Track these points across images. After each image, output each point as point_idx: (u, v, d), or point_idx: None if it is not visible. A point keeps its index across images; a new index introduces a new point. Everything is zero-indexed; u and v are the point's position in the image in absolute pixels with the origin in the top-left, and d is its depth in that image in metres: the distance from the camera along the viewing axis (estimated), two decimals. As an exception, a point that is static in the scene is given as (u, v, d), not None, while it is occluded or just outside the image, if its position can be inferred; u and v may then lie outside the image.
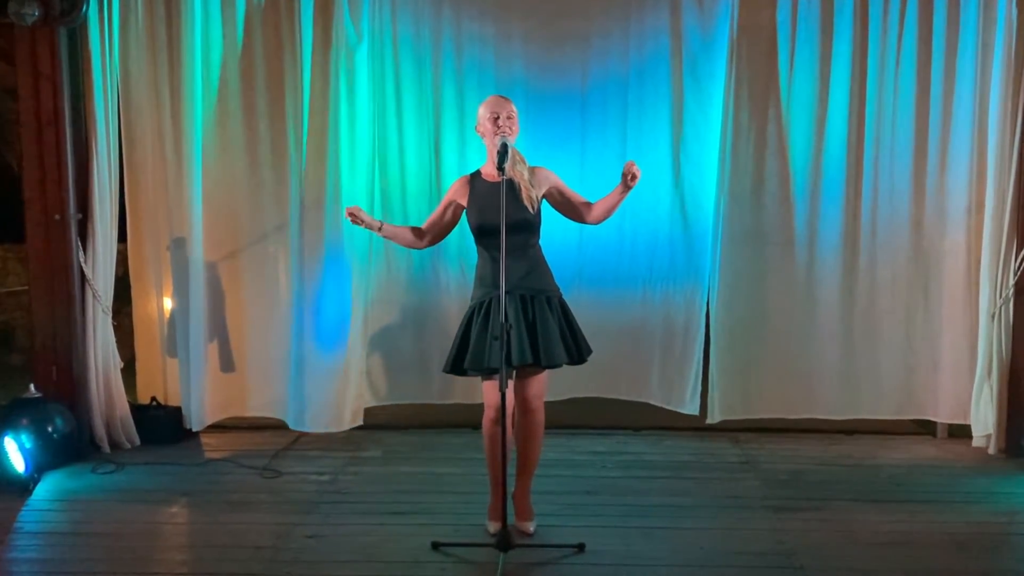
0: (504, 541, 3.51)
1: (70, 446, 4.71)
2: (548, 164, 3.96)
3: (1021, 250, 4.68)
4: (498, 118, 3.75)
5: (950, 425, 5.08)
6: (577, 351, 3.81)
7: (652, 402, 5.10)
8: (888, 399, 5.03)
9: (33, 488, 4.37)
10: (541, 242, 3.88)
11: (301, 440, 5.07)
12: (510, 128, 3.74)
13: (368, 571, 3.58)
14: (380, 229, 3.94)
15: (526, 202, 3.74)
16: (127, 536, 3.89)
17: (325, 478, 4.55)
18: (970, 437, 4.94)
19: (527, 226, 3.76)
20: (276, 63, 4.89)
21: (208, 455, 4.90)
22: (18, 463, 4.36)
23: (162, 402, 5.15)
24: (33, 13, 4.49)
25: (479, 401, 3.88)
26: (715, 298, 4.96)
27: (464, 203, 3.88)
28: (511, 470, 3.80)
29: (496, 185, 3.64)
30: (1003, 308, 4.74)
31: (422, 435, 5.17)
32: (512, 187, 3.71)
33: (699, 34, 4.86)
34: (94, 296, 4.81)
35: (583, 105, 4.95)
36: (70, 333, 4.79)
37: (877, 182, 4.89)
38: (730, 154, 4.87)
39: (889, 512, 4.10)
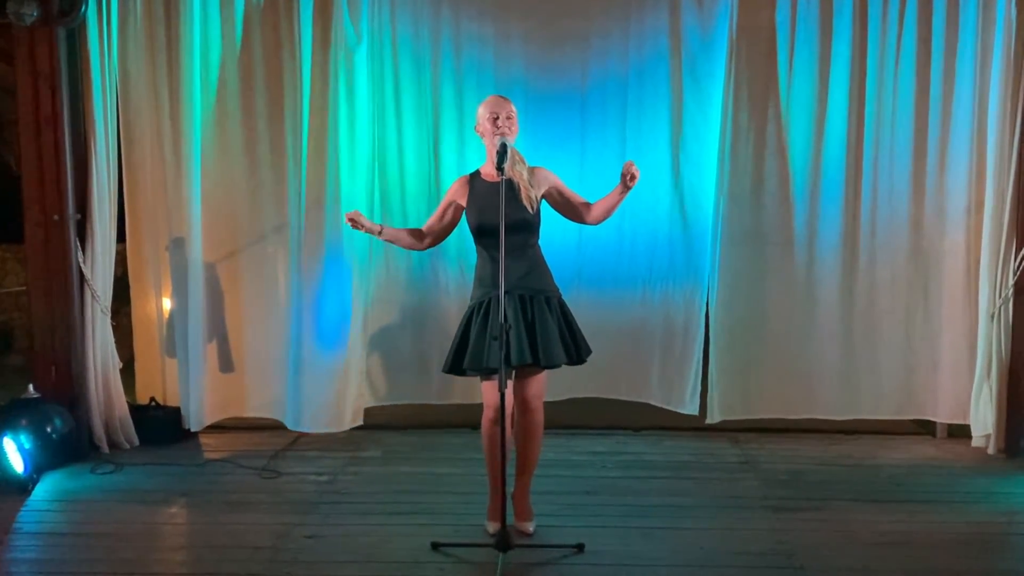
0: (503, 541, 3.51)
1: (69, 446, 4.70)
2: (547, 164, 3.96)
3: (1020, 250, 4.68)
4: (497, 118, 3.75)
5: (949, 425, 5.08)
6: (576, 351, 3.81)
7: (652, 402, 5.10)
8: (888, 399, 5.02)
9: (32, 488, 4.37)
10: (540, 242, 3.88)
11: (300, 440, 5.06)
12: (509, 128, 3.74)
13: (367, 571, 3.57)
14: (380, 233, 3.94)
15: (525, 202, 3.74)
16: (126, 536, 3.89)
17: (324, 478, 4.55)
18: (969, 437, 4.94)
19: (526, 226, 3.76)
20: (275, 63, 4.89)
21: (207, 455, 4.90)
22: (17, 463, 4.35)
23: (161, 402, 5.15)
24: (32, 13, 4.49)
25: (478, 401, 3.87)
26: (714, 298, 4.95)
27: (463, 203, 3.87)
28: (510, 470, 3.80)
29: (495, 185, 3.63)
30: (1002, 308, 4.74)
31: (421, 435, 5.17)
32: (511, 187, 3.71)
33: (698, 34, 4.86)
34: (93, 296, 4.81)
35: (582, 105, 4.95)
36: (69, 333, 4.79)
37: (876, 182, 4.89)
38: (729, 154, 4.87)
39: (889, 512, 4.10)
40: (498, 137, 3.69)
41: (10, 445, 4.36)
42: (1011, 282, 4.70)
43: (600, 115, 4.95)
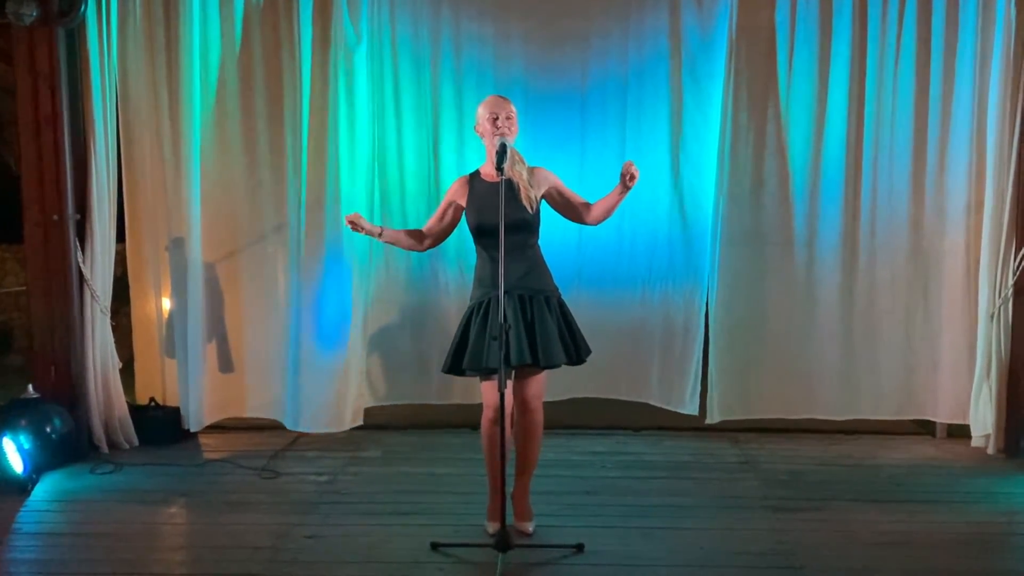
0: (503, 541, 3.51)
1: (68, 447, 4.70)
2: (547, 164, 3.96)
3: (1020, 250, 4.68)
4: (497, 118, 3.74)
5: (949, 425, 5.08)
6: (576, 351, 3.81)
7: (651, 402, 5.10)
8: (887, 399, 5.02)
9: (32, 489, 4.37)
10: (540, 242, 3.88)
11: (300, 441, 5.06)
12: (509, 128, 3.74)
13: (367, 572, 3.57)
14: (381, 235, 3.93)
15: (525, 202, 3.74)
16: (126, 537, 3.89)
17: (324, 479, 4.54)
18: (969, 437, 4.94)
19: (526, 226, 3.76)
20: (275, 63, 4.89)
21: (207, 456, 4.90)
22: (17, 464, 4.35)
23: (161, 403, 5.15)
24: (31, 13, 4.49)
25: (478, 401, 3.87)
26: (714, 298, 4.95)
27: (463, 203, 3.87)
28: (510, 470, 3.80)
29: (495, 185, 3.63)
30: (1002, 308, 4.74)
31: (421, 435, 5.16)
32: (511, 187, 3.71)
33: (698, 34, 4.85)
34: (92, 296, 4.81)
35: (582, 105, 4.95)
36: (68, 334, 4.79)
37: (876, 182, 4.89)
38: (729, 154, 4.87)
39: (888, 512, 4.09)
40: (498, 137, 3.68)
41: (10, 445, 4.36)
42: (1011, 282, 4.70)
43: (600, 115, 4.95)
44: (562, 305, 3.84)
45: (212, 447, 5.02)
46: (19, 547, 3.82)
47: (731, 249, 4.93)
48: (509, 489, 3.78)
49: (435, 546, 3.70)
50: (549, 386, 3.98)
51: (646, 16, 4.87)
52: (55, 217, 4.71)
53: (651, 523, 3.97)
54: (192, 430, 5.05)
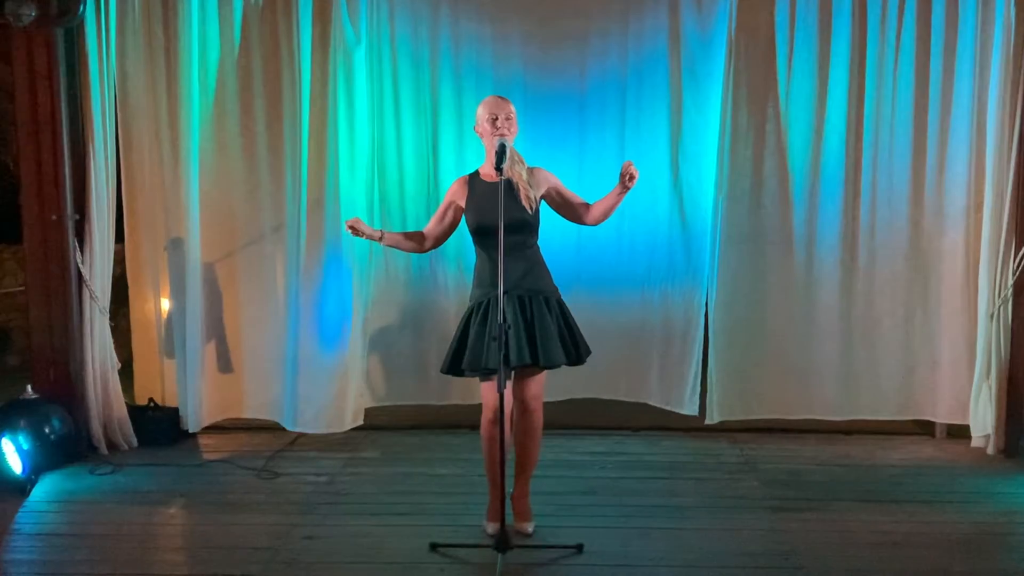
0: (502, 542, 3.50)
1: (67, 447, 4.70)
2: (546, 164, 3.96)
3: (1020, 250, 4.68)
4: (496, 119, 3.74)
5: (949, 425, 5.08)
6: (576, 352, 3.81)
7: (651, 403, 5.10)
8: (887, 399, 5.02)
9: (30, 489, 4.36)
10: (540, 243, 3.87)
11: (299, 441, 5.06)
12: (508, 129, 3.73)
13: (366, 572, 3.57)
14: (381, 239, 3.93)
15: (524, 202, 3.74)
16: (125, 537, 3.89)
17: (323, 479, 4.54)
18: (969, 437, 4.93)
19: (525, 226, 3.75)
20: (274, 64, 4.88)
21: (206, 456, 4.89)
22: (15, 464, 4.35)
23: (160, 403, 5.14)
24: (30, 13, 4.48)
25: (477, 402, 3.87)
26: (714, 298, 4.95)
27: (463, 204, 3.87)
28: (509, 471, 3.80)
29: (494, 185, 3.63)
30: (1002, 308, 4.74)
31: (420, 436, 5.16)
32: (510, 187, 3.70)
33: (697, 34, 4.85)
34: (91, 297, 4.80)
35: (581, 105, 4.95)
36: (67, 334, 4.78)
37: (876, 182, 4.88)
38: (728, 154, 4.86)
39: (888, 512, 4.09)
40: (497, 137, 3.68)
41: (8, 446, 4.35)
42: (1010, 282, 4.70)
43: (599, 115, 4.95)
44: (562, 305, 3.84)
45: (211, 448, 5.01)
46: (18, 548, 3.82)
47: (730, 249, 4.93)
48: (509, 490, 3.78)
49: (434, 546, 3.70)
50: (549, 387, 3.98)
51: (645, 16, 4.87)
52: (54, 217, 4.71)
53: (650, 523, 3.97)
54: (191, 431, 5.05)
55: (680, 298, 5.01)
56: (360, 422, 5.08)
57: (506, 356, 3.47)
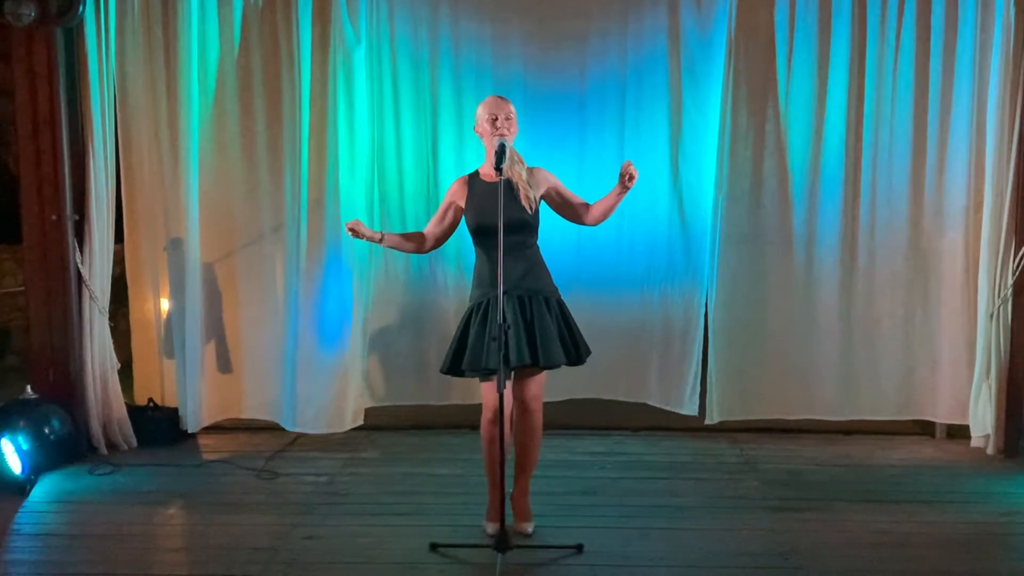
0: (502, 542, 3.50)
1: (67, 448, 4.70)
2: (546, 164, 3.96)
3: (1020, 250, 4.68)
4: (496, 119, 3.74)
5: (949, 425, 5.08)
6: (576, 352, 3.80)
7: (651, 403, 5.10)
8: (887, 399, 5.02)
9: (30, 490, 4.36)
10: (539, 243, 3.87)
11: (298, 441, 5.06)
12: (508, 129, 3.73)
13: (366, 572, 3.57)
14: (381, 241, 3.92)
15: (524, 202, 3.74)
16: (124, 538, 3.88)
17: (323, 479, 4.54)
18: (969, 437, 4.93)
19: (525, 226, 3.75)
20: (273, 64, 4.88)
21: (205, 456, 4.89)
22: (15, 465, 4.35)
23: (159, 403, 5.14)
24: (29, 13, 4.48)
25: (477, 402, 3.87)
26: (713, 298, 4.95)
27: (462, 204, 3.87)
28: (509, 471, 3.80)
29: (494, 185, 3.63)
30: (1001, 308, 4.74)
31: (420, 436, 5.16)
32: (510, 187, 3.70)
33: (697, 34, 4.85)
34: (91, 297, 4.80)
35: (581, 105, 4.95)
36: (67, 334, 4.78)
37: (875, 182, 4.89)
38: (728, 154, 4.86)
39: (888, 512, 4.09)
40: (497, 138, 3.68)
41: (8, 446, 4.35)
42: (1010, 282, 4.70)
43: (599, 115, 4.95)
44: (562, 305, 3.84)
45: (211, 448, 5.01)
46: (18, 548, 3.82)
47: (730, 249, 4.93)
48: (508, 490, 3.78)
49: (434, 547, 3.70)
50: (548, 387, 3.98)
51: (645, 16, 4.87)
52: (53, 217, 4.71)
53: (650, 523, 3.97)
54: (191, 431, 5.04)
55: (680, 298, 5.01)
56: (360, 422, 5.07)
57: (506, 356, 3.47)
